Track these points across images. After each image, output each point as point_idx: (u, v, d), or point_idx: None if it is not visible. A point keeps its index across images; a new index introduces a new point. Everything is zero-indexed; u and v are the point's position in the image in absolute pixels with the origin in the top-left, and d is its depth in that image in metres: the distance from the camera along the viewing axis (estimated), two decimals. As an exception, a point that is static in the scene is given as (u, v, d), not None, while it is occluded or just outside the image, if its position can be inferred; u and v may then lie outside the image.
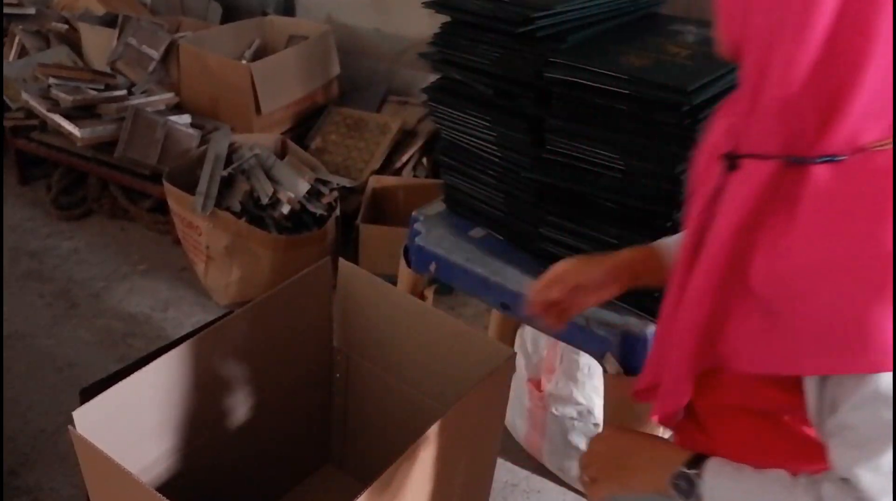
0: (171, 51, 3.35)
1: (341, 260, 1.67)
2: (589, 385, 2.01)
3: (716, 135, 0.96)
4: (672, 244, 1.18)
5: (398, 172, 3.19)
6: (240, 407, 1.67)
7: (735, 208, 0.85)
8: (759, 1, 0.79)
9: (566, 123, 1.42)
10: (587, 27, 1.53)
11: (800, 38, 0.75)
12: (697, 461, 0.93)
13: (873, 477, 0.80)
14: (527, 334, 2.21)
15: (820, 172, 0.79)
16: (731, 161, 0.88)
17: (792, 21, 0.76)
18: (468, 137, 1.62)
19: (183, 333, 2.40)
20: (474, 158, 1.64)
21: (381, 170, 3.19)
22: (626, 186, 1.39)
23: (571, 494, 2.16)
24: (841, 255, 0.76)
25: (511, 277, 1.57)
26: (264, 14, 3.83)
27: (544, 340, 2.14)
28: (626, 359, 1.43)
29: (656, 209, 1.37)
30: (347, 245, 2.92)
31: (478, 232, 1.70)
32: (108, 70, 3.35)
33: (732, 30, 0.84)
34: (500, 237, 1.68)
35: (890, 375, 0.76)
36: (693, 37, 1.52)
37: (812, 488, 0.85)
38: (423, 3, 1.61)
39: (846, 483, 0.82)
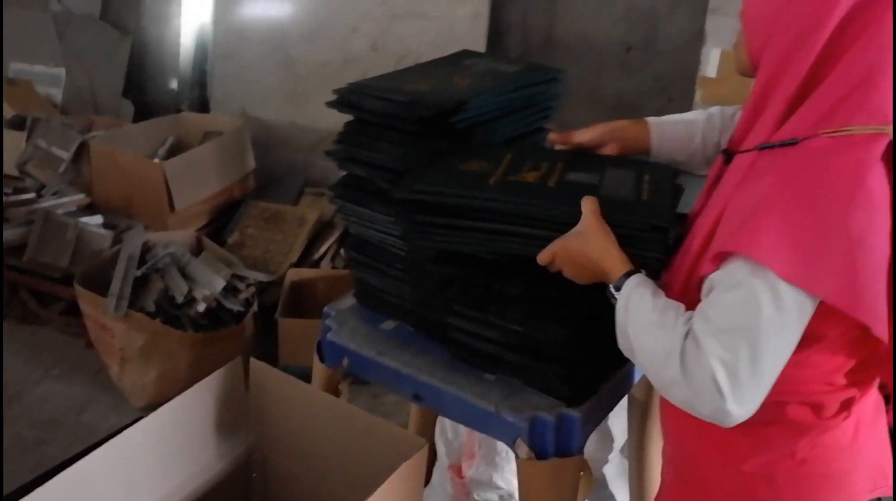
0: (82, 150, 3.34)
1: (252, 359, 1.67)
2: (508, 469, 2.03)
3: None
4: (663, 122, 1.51)
5: (317, 264, 3.21)
6: (154, 514, 1.64)
7: (723, 189, 1.13)
8: (780, 26, 1.05)
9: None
10: (487, 123, 1.61)
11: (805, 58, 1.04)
12: (625, 277, 1.19)
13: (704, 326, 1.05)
14: (447, 420, 2.22)
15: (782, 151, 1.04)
16: (728, 156, 1.16)
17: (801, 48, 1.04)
18: (375, 232, 1.65)
19: (98, 437, 2.35)
20: (381, 253, 1.67)
21: (300, 262, 3.20)
22: (527, 272, 1.44)
23: (499, 581, 2.15)
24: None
25: (423, 367, 1.58)
26: (178, 111, 3.86)
27: (463, 427, 2.15)
28: (536, 444, 1.45)
29: (559, 295, 1.41)
30: (268, 338, 2.91)
31: (389, 324, 1.72)
32: (16, 173, 3.31)
33: (754, 49, 1.11)
34: (411, 328, 1.70)
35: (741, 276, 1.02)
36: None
37: (688, 322, 1.09)
38: (326, 103, 1.66)
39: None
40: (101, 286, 2.65)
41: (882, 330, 1.02)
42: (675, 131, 1.50)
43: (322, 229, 3.33)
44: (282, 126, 3.86)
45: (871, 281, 0.99)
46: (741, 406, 1.04)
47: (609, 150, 1.52)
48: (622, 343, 1.23)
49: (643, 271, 1.21)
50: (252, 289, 2.88)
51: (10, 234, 3.02)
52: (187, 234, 3.05)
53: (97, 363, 2.91)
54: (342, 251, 3.25)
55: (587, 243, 1.25)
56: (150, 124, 3.65)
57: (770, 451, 1.20)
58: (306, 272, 3.08)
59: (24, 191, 3.19)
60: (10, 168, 3.36)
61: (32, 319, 3.21)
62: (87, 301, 2.68)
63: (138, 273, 2.68)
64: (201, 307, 2.68)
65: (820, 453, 1.19)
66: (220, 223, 3.42)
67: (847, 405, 1.18)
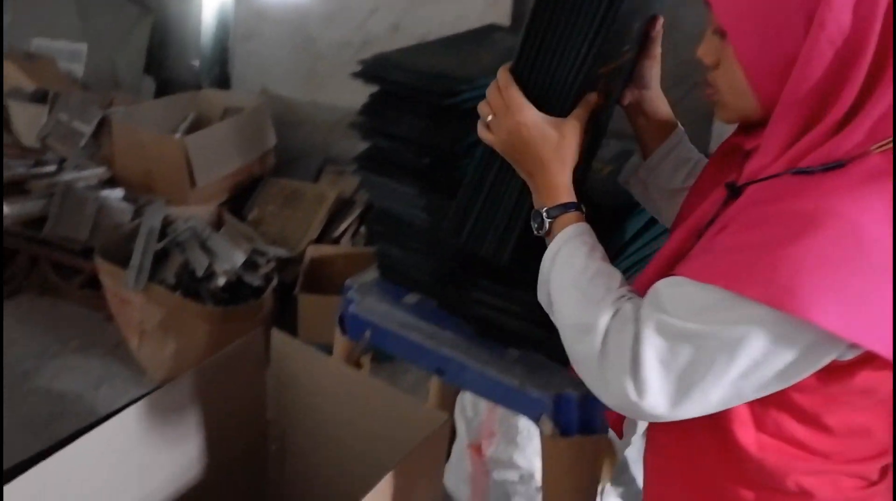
0: (103, 125, 3.33)
1: (274, 330, 1.66)
2: (529, 449, 2.01)
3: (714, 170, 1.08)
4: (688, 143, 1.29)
5: (336, 242, 3.19)
6: (172, 484, 1.63)
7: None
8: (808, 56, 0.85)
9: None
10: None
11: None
12: (562, 209, 1.05)
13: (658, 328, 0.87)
14: (466, 398, 2.20)
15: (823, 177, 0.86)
16: (734, 190, 0.95)
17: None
18: (398, 205, 1.64)
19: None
20: (404, 226, 1.65)
21: (320, 239, 3.19)
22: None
23: (516, 560, 2.14)
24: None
25: (445, 341, 1.57)
26: (199, 88, 3.85)
27: (483, 404, 2.13)
28: (560, 421, 1.43)
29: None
30: (286, 315, 2.90)
31: (411, 298, 1.70)
32: (37, 146, 3.31)
33: (767, 87, 0.91)
34: (434, 302, 1.68)
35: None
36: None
37: (619, 301, 0.94)
38: (351, 73, 1.64)
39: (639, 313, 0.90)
40: (121, 260, 2.65)
41: None
42: (689, 155, 1.29)
43: (341, 208, 3.32)
44: (302, 104, 3.84)
45: None
46: (656, 408, 0.88)
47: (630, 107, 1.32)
48: (541, 295, 1.09)
49: (583, 211, 1.07)
50: (272, 264, 2.87)
51: (31, 206, 3.02)
52: (208, 209, 3.05)
53: (116, 337, 2.91)
54: (362, 229, 3.24)
55: (546, 137, 1.06)
56: (170, 100, 3.64)
57: None
58: (326, 249, 3.06)
59: (45, 164, 3.19)
60: (31, 141, 3.37)
61: (52, 291, 3.21)
62: (107, 274, 2.68)
63: (159, 247, 2.67)
64: (221, 281, 2.67)
65: None
66: (239, 200, 3.41)
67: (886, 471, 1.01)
